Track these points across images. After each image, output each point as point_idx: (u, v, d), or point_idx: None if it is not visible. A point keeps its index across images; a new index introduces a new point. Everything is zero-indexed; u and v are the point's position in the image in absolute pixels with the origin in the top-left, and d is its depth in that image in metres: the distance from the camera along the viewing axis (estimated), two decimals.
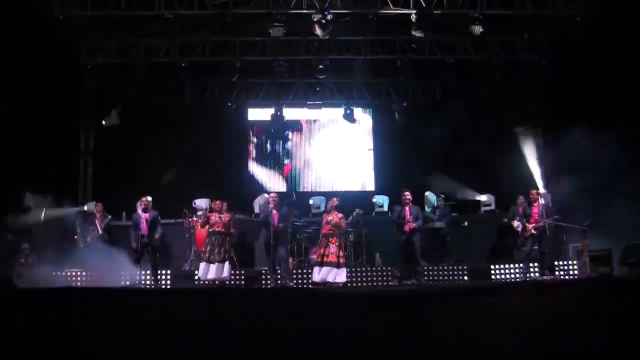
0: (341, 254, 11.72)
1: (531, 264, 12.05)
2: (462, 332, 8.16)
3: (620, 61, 12.46)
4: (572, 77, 14.26)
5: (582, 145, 12.84)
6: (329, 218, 11.82)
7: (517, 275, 12.61)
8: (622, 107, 12.65)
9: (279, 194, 12.89)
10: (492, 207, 15.42)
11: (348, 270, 12.59)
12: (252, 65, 16.31)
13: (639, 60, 11.85)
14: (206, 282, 11.82)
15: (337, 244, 11.70)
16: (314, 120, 18.61)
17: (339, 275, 11.59)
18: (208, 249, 11.73)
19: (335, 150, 18.49)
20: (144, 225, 11.83)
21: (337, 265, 11.60)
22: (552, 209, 12.14)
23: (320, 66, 15.65)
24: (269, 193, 13.45)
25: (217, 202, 12.11)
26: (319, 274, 11.56)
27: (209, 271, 11.59)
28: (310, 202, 15.46)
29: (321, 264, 11.57)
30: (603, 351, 7.78)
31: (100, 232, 13.55)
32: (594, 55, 13.05)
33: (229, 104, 17.74)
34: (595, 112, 13.02)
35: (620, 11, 12.36)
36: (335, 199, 12.25)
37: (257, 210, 15.04)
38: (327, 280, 11.50)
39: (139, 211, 11.97)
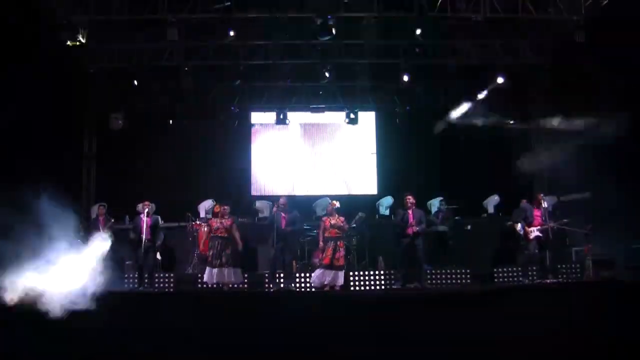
0: (344, 255, 11.81)
1: (531, 268, 12.02)
2: (465, 335, 8.17)
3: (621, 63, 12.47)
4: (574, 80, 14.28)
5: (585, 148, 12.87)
6: (333, 221, 11.78)
7: (520, 279, 12.58)
8: (623, 108, 12.65)
9: (288, 197, 12.87)
10: (492, 211, 15.42)
11: (351, 273, 12.65)
12: (255, 69, 16.32)
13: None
14: (211, 286, 11.84)
15: (344, 247, 11.76)
16: (317, 124, 18.61)
17: (341, 278, 11.64)
18: (211, 253, 11.76)
19: (339, 153, 18.49)
20: (144, 229, 11.85)
21: (342, 268, 11.68)
22: (556, 212, 12.12)
23: (323, 70, 15.67)
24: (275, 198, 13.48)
25: (221, 207, 12.12)
26: (325, 277, 11.52)
27: (213, 275, 11.61)
28: (317, 208, 15.47)
29: (330, 267, 11.54)
30: (607, 354, 7.78)
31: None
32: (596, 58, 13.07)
33: (232, 108, 17.76)
34: (597, 112, 13.04)
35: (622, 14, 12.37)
36: (335, 201, 12.24)
37: (260, 214, 15.10)
38: (335, 283, 11.51)
39: (141, 215, 11.99)
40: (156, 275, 12.55)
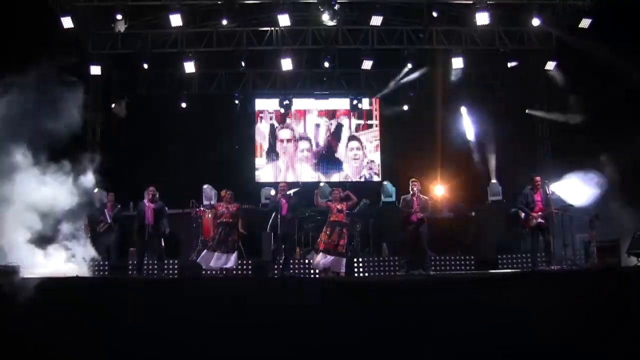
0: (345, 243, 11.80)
1: (535, 254, 11.99)
2: (469, 322, 8.19)
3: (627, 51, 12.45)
4: (579, 66, 14.25)
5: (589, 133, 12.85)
6: (339, 207, 11.75)
7: (525, 266, 12.57)
8: (629, 95, 12.65)
9: (288, 184, 12.85)
10: (500, 197, 15.39)
11: (355, 259, 12.63)
12: (259, 56, 16.29)
13: None
14: (213, 272, 11.87)
15: (347, 234, 11.74)
16: (321, 110, 18.59)
17: (343, 265, 11.62)
18: (215, 238, 11.76)
19: (342, 140, 18.49)
20: (149, 215, 11.80)
21: (344, 255, 11.67)
22: (552, 198, 12.05)
23: (327, 56, 15.65)
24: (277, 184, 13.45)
25: (227, 192, 12.11)
26: (325, 260, 11.51)
27: (212, 260, 11.62)
28: (320, 184, 15.49)
29: (329, 251, 11.52)
30: (610, 340, 7.80)
31: (110, 221, 13.60)
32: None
33: (236, 94, 17.73)
34: (601, 101, 13.02)
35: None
36: (339, 189, 12.23)
37: (263, 200, 15.10)
38: (335, 269, 11.50)
39: (145, 201, 11.95)
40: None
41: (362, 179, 18.22)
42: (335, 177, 18.04)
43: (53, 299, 8.23)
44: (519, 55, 16.17)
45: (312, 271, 12.35)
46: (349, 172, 18.32)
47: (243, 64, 15.80)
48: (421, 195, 11.88)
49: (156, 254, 11.90)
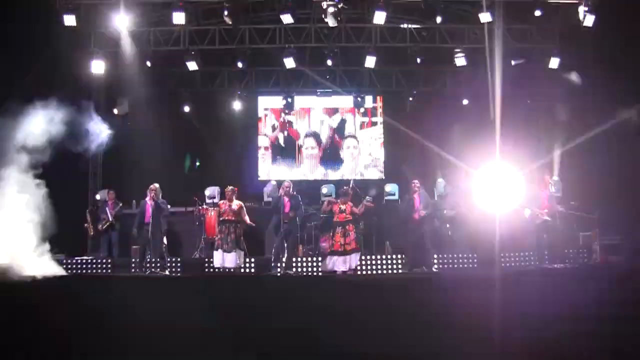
0: (356, 238, 11.78)
1: (539, 252, 11.98)
2: (473, 319, 8.16)
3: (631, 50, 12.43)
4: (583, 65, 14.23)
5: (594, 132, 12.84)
6: (343, 207, 11.75)
7: (529, 263, 12.58)
8: (633, 93, 12.63)
9: (292, 182, 12.84)
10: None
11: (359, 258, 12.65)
12: (261, 53, 16.26)
13: None
14: (219, 270, 11.89)
15: (354, 230, 11.74)
16: (324, 108, 18.58)
17: (354, 261, 11.60)
18: (219, 237, 11.77)
19: (345, 137, 18.48)
20: (149, 213, 11.83)
21: (357, 250, 11.65)
22: (562, 197, 12.09)
23: (327, 53, 15.63)
24: (280, 182, 13.44)
25: (229, 189, 12.11)
26: (336, 263, 11.49)
27: (223, 260, 11.65)
28: (323, 190, 15.46)
29: (342, 252, 11.50)
30: (613, 339, 7.77)
31: (111, 219, 13.63)
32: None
33: (239, 92, 17.72)
34: (605, 98, 13.01)
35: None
36: (348, 188, 12.21)
37: (266, 198, 15.08)
38: (349, 267, 11.49)
39: (147, 199, 11.97)
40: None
41: (365, 177, 18.18)
42: (339, 174, 18.04)
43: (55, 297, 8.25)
44: (522, 53, 16.12)
45: (314, 269, 12.36)
46: (352, 169, 18.32)
47: (240, 64, 15.73)
48: (424, 193, 11.90)
49: (158, 251, 11.92)
